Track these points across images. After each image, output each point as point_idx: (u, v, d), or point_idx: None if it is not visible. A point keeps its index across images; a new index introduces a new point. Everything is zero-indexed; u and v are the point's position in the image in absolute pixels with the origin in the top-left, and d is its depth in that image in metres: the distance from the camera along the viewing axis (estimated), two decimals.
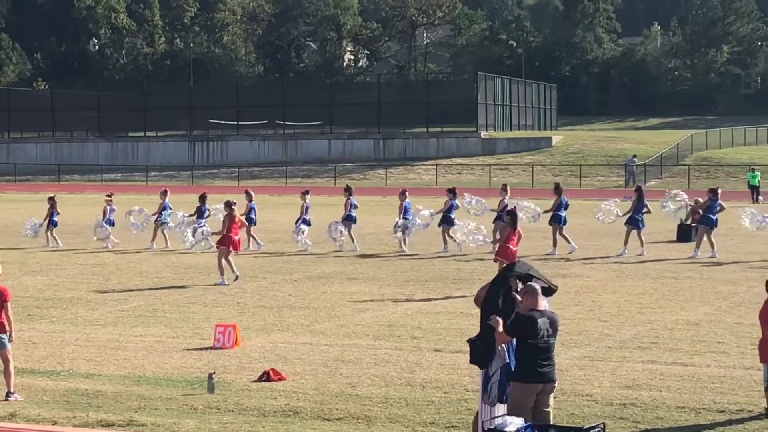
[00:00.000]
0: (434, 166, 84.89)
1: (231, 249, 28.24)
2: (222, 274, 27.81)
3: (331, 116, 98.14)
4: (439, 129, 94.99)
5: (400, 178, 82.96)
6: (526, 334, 11.94)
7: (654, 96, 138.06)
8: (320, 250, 35.66)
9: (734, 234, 38.43)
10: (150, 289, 27.14)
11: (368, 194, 60.79)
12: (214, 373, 16.28)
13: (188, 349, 19.27)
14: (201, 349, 19.28)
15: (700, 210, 34.10)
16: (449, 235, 35.20)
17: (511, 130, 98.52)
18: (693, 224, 38.04)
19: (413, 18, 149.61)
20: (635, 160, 77.65)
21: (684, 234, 38.16)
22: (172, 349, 19.27)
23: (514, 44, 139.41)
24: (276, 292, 26.32)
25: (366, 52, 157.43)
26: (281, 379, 16.80)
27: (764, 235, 39.30)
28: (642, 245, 33.71)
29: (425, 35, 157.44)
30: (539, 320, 12.01)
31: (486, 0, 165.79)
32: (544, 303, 12.14)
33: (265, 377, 16.81)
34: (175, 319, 22.57)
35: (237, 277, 27.88)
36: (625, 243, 33.82)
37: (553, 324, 12.15)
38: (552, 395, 12.29)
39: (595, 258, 33.06)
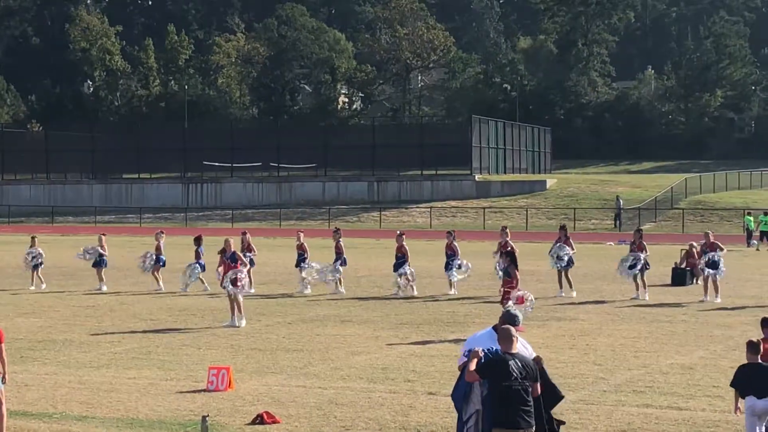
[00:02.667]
0: (428, 209, 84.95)
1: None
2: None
3: (326, 159, 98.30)
4: (433, 172, 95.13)
5: (395, 221, 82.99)
6: (499, 376, 11.89)
7: (648, 139, 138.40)
8: (315, 292, 35.61)
9: (728, 278, 38.44)
10: (143, 331, 27.04)
11: (362, 236, 60.77)
12: (208, 416, 16.18)
13: (182, 392, 19.17)
14: (194, 391, 19.18)
15: (696, 254, 34.02)
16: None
17: (505, 173, 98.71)
18: (687, 267, 38.09)
19: (408, 61, 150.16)
20: (620, 201, 77.75)
21: (678, 278, 38.18)
22: (166, 392, 19.17)
23: (509, 87, 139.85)
24: (270, 335, 26.24)
25: (360, 94, 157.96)
26: (275, 422, 16.71)
27: (756, 279, 39.36)
28: (640, 288, 33.69)
29: (419, 78, 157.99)
30: (510, 362, 11.99)
31: (480, 43, 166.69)
32: (521, 346, 12.12)
33: (259, 420, 16.71)
34: (169, 361, 22.47)
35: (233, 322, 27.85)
36: (637, 287, 33.76)
37: (527, 367, 12.07)
38: None
39: (590, 301, 33.01)
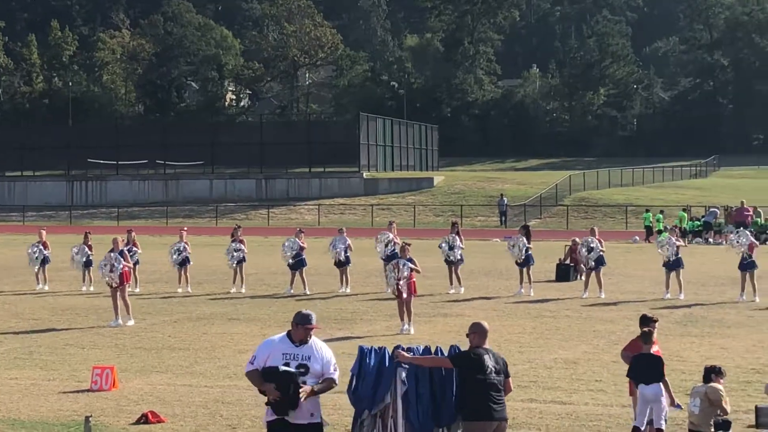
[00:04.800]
0: (317, 207, 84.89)
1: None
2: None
3: (213, 156, 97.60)
4: (321, 169, 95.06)
5: (283, 219, 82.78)
6: (475, 369, 12.06)
7: (533, 137, 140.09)
8: (201, 291, 35.37)
9: (612, 273, 39.01)
10: (26, 331, 26.62)
11: (251, 235, 60.50)
12: (91, 416, 15.97)
13: (65, 392, 18.93)
14: (78, 391, 18.95)
15: (580, 250, 34.36)
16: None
17: (393, 170, 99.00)
18: (571, 263, 38.60)
19: (295, 58, 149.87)
20: (505, 200, 78.30)
21: (562, 273, 38.66)
22: (48, 392, 18.90)
23: (396, 85, 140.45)
24: (155, 334, 26.01)
25: (248, 92, 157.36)
26: (160, 421, 16.58)
27: (639, 275, 40.04)
28: (526, 283, 34.04)
29: (307, 76, 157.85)
30: (485, 356, 12.20)
31: (368, 41, 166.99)
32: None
33: (144, 420, 16.57)
34: (52, 361, 22.16)
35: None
36: (521, 281, 34.08)
37: (498, 362, 12.41)
38: None
39: (475, 297, 33.27)
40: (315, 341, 11.64)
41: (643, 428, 14.66)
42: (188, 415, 17.11)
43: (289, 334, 11.61)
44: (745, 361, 21.78)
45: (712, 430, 14.34)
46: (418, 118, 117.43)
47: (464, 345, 12.53)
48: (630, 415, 15.92)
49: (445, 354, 12.70)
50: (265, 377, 11.37)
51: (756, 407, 14.03)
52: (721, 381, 14.49)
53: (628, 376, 15.04)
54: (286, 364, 11.32)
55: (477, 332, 12.54)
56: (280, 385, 11.24)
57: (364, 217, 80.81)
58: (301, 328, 11.49)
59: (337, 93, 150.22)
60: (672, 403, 14.66)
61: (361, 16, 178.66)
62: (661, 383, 14.45)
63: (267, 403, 11.49)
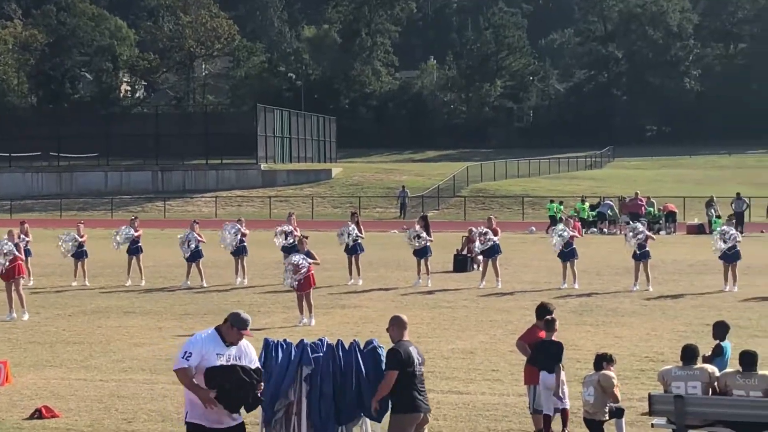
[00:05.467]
0: (214, 198, 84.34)
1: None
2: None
3: (108, 148, 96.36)
4: (218, 161, 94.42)
5: (179, 210, 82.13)
6: (407, 364, 12.16)
7: (431, 129, 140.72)
8: (97, 284, 34.98)
9: (508, 264, 39.33)
10: None
11: (147, 227, 59.92)
12: None
13: None
14: None
15: (478, 239, 34.47)
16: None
17: (291, 162, 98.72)
18: (468, 254, 38.83)
19: (191, 49, 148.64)
20: (406, 191, 78.47)
21: (460, 264, 38.89)
22: None
23: (293, 77, 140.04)
24: (49, 327, 25.66)
25: (143, 83, 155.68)
26: (54, 416, 16.36)
27: (535, 265, 40.44)
28: (424, 274, 34.19)
29: (204, 67, 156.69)
30: (410, 348, 12.42)
31: (264, 32, 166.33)
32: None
33: (38, 414, 16.34)
34: None
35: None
36: (419, 272, 34.23)
37: (420, 353, 12.61)
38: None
39: (374, 289, 33.32)
40: (244, 342, 11.33)
41: (552, 415, 14.82)
42: (83, 410, 16.90)
43: (219, 333, 11.19)
44: (639, 349, 22.10)
45: (607, 417, 14.51)
46: (316, 110, 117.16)
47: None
48: (525, 404, 16.05)
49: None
50: (216, 377, 10.92)
51: (649, 395, 14.23)
52: (612, 368, 14.69)
53: (530, 363, 15.14)
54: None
55: (396, 324, 12.71)
56: (234, 385, 10.96)
57: (261, 209, 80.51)
58: (235, 332, 11.13)
59: (234, 84, 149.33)
60: (556, 393, 14.81)
61: (258, 6, 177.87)
62: (556, 370, 14.62)
63: (204, 401, 10.96)
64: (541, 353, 14.90)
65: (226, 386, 10.89)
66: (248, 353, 11.27)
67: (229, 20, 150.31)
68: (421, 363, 12.54)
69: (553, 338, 14.99)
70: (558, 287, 32.71)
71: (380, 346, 13.09)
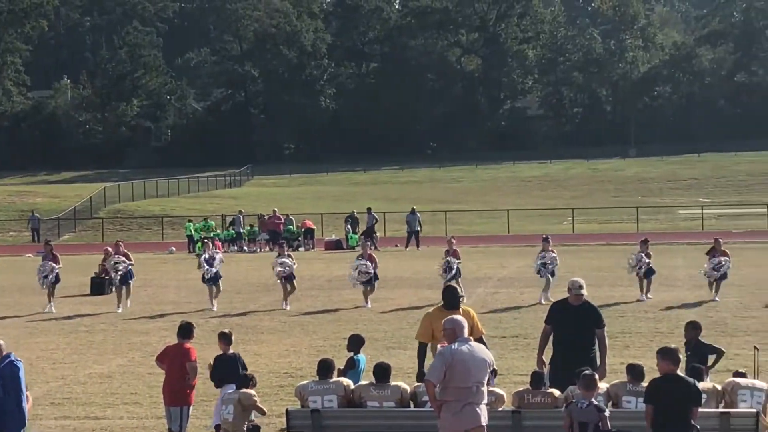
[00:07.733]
0: None
1: None
2: None
3: None
4: None
5: None
6: None
7: (66, 149, 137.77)
8: None
9: (149, 285, 38.90)
10: None
11: None
12: None
13: None
14: None
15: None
16: None
17: None
18: (106, 277, 37.98)
19: None
20: (36, 216, 75.73)
21: (97, 287, 38.08)
22: None
23: None
24: None
25: None
26: None
27: (175, 285, 40.18)
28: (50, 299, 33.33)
29: None
30: None
31: None
32: None
33: None
34: None
35: None
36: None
37: None
38: None
39: (8, 316, 32.14)
40: None
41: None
42: None
43: None
44: (277, 365, 22.31)
45: None
46: None
47: None
48: (165, 426, 15.85)
49: None
50: None
51: (287, 410, 14.39)
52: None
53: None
54: None
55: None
56: None
57: None
58: None
59: None
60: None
61: None
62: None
63: None
64: (218, 368, 15.93)
65: None
66: None
67: None
68: None
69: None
70: (206, 308, 32.36)
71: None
